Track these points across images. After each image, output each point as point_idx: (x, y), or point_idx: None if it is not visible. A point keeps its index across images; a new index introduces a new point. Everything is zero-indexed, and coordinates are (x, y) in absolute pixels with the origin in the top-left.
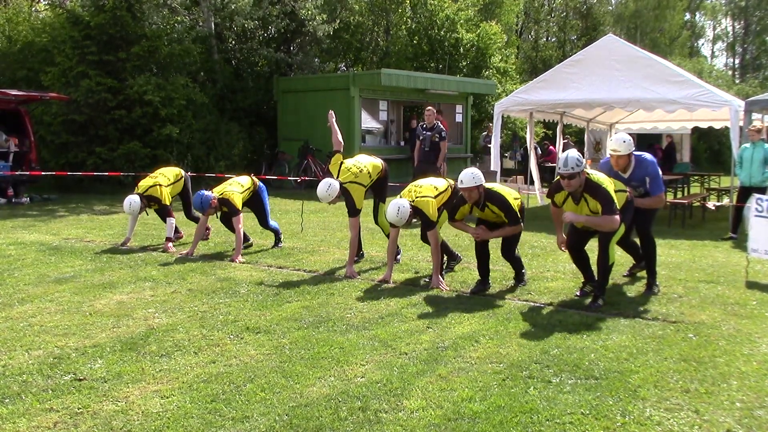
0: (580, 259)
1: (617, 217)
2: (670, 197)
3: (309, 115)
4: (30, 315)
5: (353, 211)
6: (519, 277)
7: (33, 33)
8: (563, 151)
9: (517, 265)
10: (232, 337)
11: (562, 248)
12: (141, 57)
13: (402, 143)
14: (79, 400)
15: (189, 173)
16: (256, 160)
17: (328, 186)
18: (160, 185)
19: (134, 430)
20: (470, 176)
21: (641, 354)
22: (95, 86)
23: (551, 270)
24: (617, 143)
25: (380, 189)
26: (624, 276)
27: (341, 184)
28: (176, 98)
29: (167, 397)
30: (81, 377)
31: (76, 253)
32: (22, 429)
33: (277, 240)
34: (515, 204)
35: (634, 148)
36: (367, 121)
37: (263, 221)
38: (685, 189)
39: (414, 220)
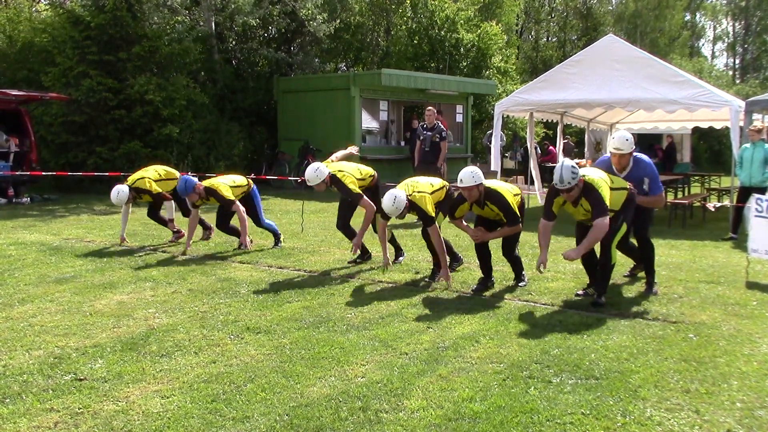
0: (588, 259)
1: (604, 221)
2: (670, 197)
3: (309, 115)
4: (30, 315)
5: (355, 196)
6: (519, 278)
7: (33, 33)
8: (563, 151)
9: (517, 266)
10: (232, 337)
11: (541, 269)
12: (141, 57)
13: (402, 143)
14: (79, 400)
15: (189, 173)
16: (257, 160)
17: (315, 169)
18: (148, 179)
19: (135, 430)
20: (470, 175)
21: (642, 354)
22: (96, 86)
23: (551, 270)
24: (620, 142)
25: (372, 198)
26: (624, 276)
27: (332, 176)
28: (177, 98)
29: (168, 397)
30: (81, 377)
31: (76, 253)
32: (22, 429)
33: (277, 240)
34: (515, 202)
35: (634, 147)
36: (368, 121)
37: (257, 220)
38: (686, 189)
39: (415, 219)
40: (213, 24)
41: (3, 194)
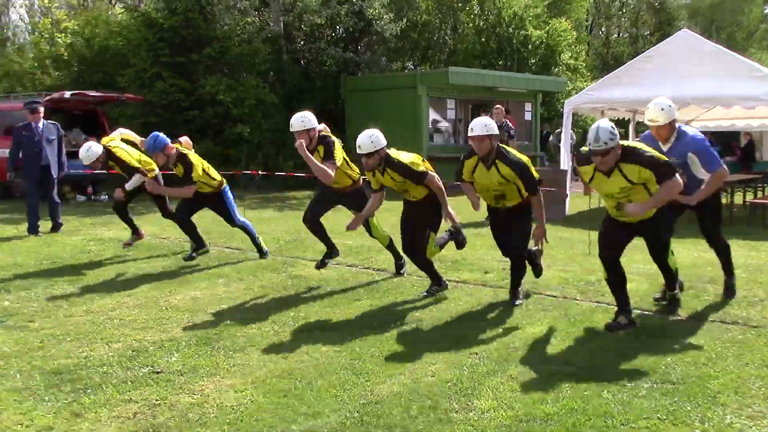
0: (617, 275)
1: (677, 178)
2: (749, 197)
3: (376, 114)
4: (110, 309)
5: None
6: (515, 295)
7: (109, 36)
8: None
9: (520, 271)
10: (303, 333)
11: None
12: (212, 58)
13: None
14: (156, 392)
15: (258, 171)
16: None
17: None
18: (125, 151)
19: (210, 422)
20: (482, 125)
21: (720, 359)
22: (168, 88)
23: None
24: (653, 112)
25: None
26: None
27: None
28: (247, 98)
29: (241, 392)
30: (158, 370)
31: (152, 249)
32: (103, 418)
33: (262, 253)
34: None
35: (676, 116)
36: (435, 120)
37: (231, 219)
38: (766, 188)
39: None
40: (282, 24)
41: (82, 192)
